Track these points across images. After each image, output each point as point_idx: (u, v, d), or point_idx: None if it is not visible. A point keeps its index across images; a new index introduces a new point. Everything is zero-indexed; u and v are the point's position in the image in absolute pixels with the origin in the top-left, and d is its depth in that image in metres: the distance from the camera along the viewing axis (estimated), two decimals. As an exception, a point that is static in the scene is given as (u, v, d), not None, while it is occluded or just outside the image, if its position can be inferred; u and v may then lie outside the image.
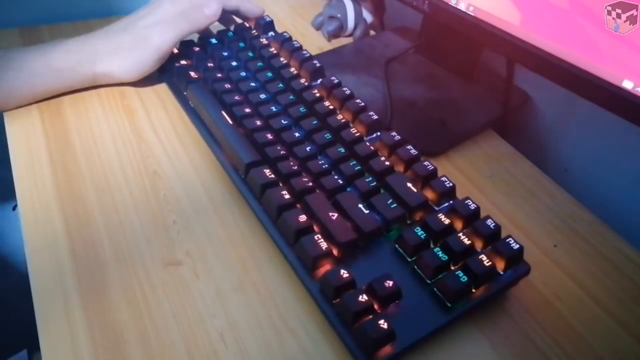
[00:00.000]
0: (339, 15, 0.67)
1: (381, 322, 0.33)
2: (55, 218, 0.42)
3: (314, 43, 0.67)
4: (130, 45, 0.52)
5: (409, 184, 0.41)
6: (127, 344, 0.34)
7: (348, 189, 0.42)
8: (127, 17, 0.55)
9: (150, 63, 0.53)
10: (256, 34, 0.58)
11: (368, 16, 0.69)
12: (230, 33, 0.58)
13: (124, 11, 0.69)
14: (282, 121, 0.46)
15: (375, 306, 0.35)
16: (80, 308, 0.36)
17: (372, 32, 0.70)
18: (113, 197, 0.44)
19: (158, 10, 0.54)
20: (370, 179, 0.42)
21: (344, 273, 0.35)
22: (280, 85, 0.51)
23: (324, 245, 0.37)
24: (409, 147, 0.44)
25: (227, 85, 0.50)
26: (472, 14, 0.49)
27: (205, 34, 0.59)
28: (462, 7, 0.50)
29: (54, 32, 0.65)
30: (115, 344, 0.34)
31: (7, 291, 0.72)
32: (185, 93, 0.52)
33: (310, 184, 0.41)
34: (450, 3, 0.51)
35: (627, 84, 0.39)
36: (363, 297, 0.34)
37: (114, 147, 0.49)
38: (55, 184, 0.44)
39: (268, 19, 0.59)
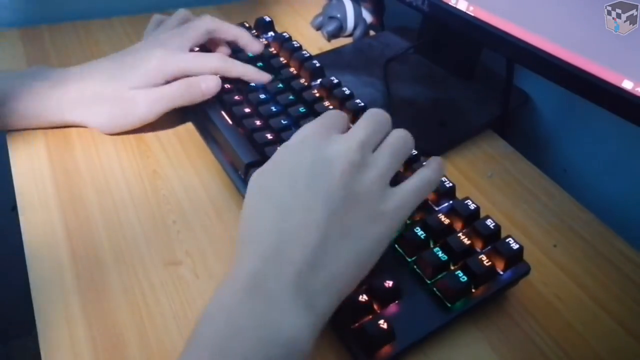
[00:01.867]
0: (338, 16, 0.67)
1: (381, 322, 0.33)
2: (54, 218, 0.42)
3: (314, 43, 0.67)
4: (110, 103, 0.47)
5: None
6: (127, 344, 0.34)
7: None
8: (107, 60, 0.49)
9: (132, 126, 0.49)
10: (256, 34, 0.58)
11: (368, 16, 0.69)
12: None
13: (124, 12, 0.70)
14: (282, 121, 0.46)
15: (375, 306, 0.35)
16: (80, 308, 0.36)
17: (371, 32, 0.71)
18: (112, 197, 0.44)
19: (145, 66, 0.47)
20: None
21: None
22: (280, 85, 0.51)
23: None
24: None
25: (227, 85, 0.50)
26: (472, 14, 0.49)
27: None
28: (462, 7, 0.50)
29: (54, 32, 0.65)
30: (115, 344, 0.34)
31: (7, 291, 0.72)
32: None
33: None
34: (450, 3, 0.51)
35: (627, 84, 0.39)
36: (363, 297, 0.34)
37: (114, 147, 0.49)
38: (55, 184, 0.44)
39: (268, 19, 0.59)
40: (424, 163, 0.39)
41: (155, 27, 0.53)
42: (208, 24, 0.51)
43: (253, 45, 0.54)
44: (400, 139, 0.37)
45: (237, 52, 0.55)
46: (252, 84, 0.51)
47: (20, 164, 0.46)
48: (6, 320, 0.89)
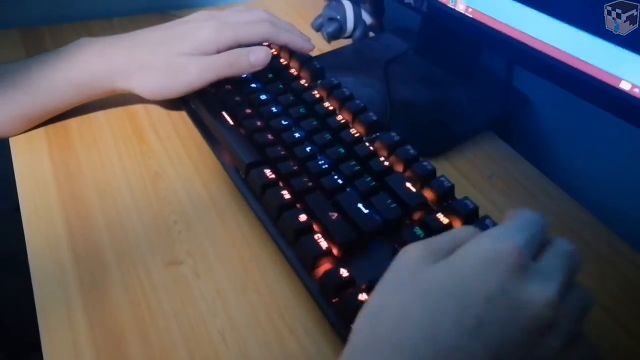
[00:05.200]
0: (338, 17, 0.67)
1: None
2: (56, 218, 0.42)
3: (314, 44, 0.68)
4: (160, 69, 0.47)
5: (408, 184, 0.42)
6: (128, 344, 0.34)
7: (347, 189, 0.42)
8: (157, 29, 0.49)
9: (178, 93, 0.49)
10: None
11: (367, 18, 0.69)
12: None
13: (125, 13, 0.70)
14: (282, 122, 0.47)
15: None
16: (81, 308, 0.36)
17: (371, 34, 0.71)
18: (114, 197, 0.44)
19: (198, 35, 0.48)
20: (370, 179, 0.42)
21: (344, 272, 0.35)
22: (281, 86, 0.51)
23: (324, 244, 0.37)
24: (408, 147, 0.45)
25: (228, 86, 0.50)
26: (471, 16, 0.50)
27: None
28: (460, 8, 0.50)
29: (54, 32, 0.65)
30: (116, 344, 0.34)
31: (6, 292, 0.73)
32: None
33: (310, 184, 0.41)
34: (448, 5, 0.51)
35: (625, 85, 0.39)
36: (363, 296, 0.34)
37: (115, 148, 0.49)
38: (57, 185, 0.44)
39: None
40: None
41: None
42: (266, 31, 0.51)
43: (304, 47, 0.54)
44: (583, 299, 0.29)
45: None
46: (254, 85, 0.51)
47: (22, 165, 0.46)
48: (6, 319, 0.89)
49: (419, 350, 0.23)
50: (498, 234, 0.28)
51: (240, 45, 0.49)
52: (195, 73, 0.47)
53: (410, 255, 0.28)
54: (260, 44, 0.51)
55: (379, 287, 0.28)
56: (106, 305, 0.36)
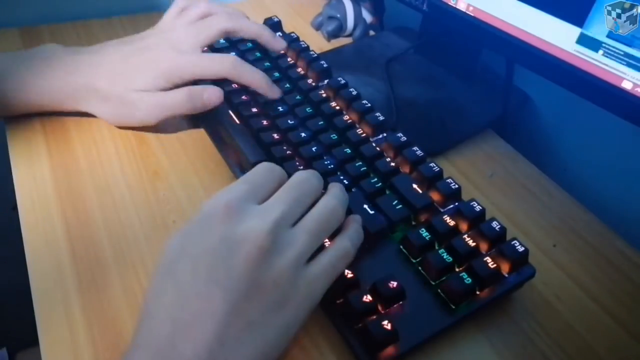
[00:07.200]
0: (338, 16, 0.67)
1: (385, 322, 0.33)
2: (55, 218, 0.42)
3: (314, 43, 0.67)
4: (116, 102, 0.47)
5: (415, 185, 0.42)
6: (127, 344, 0.34)
7: (353, 190, 0.42)
8: (119, 51, 0.48)
9: (133, 125, 0.49)
10: None
11: (367, 16, 0.69)
12: None
13: (124, 12, 0.70)
14: (289, 121, 0.47)
15: (379, 306, 0.35)
16: (80, 307, 0.36)
17: (371, 32, 0.70)
18: (113, 197, 0.44)
19: (155, 69, 0.46)
20: (376, 179, 0.42)
21: (348, 273, 0.35)
22: (287, 85, 0.51)
23: (328, 244, 0.37)
24: (415, 148, 0.44)
25: (234, 85, 0.50)
26: (472, 14, 0.49)
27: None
28: (461, 7, 0.50)
29: (54, 32, 0.65)
30: (115, 343, 0.34)
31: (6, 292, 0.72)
32: None
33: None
34: (449, 3, 0.51)
35: (627, 84, 0.39)
36: (367, 297, 0.34)
37: (114, 147, 0.49)
38: (55, 183, 0.44)
39: (276, 20, 0.59)
40: (344, 230, 0.35)
41: (177, 14, 0.52)
42: (226, 23, 0.49)
43: (275, 43, 0.53)
44: (325, 211, 0.33)
45: (244, 52, 0.54)
46: None
47: (20, 164, 0.46)
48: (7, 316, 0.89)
49: (168, 306, 0.29)
50: (215, 195, 0.33)
51: (197, 78, 0.48)
52: (145, 111, 0.47)
53: (170, 239, 0.32)
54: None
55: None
56: (105, 305, 0.36)
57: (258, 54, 0.55)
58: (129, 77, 0.47)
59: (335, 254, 0.33)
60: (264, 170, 0.35)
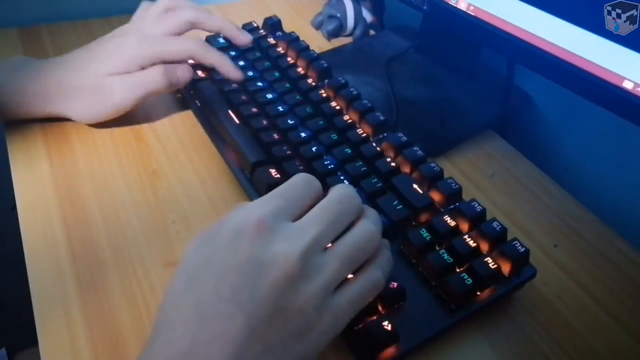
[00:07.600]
0: (338, 15, 0.67)
1: (385, 323, 0.33)
2: (54, 218, 0.42)
3: (314, 42, 0.67)
4: (87, 91, 0.46)
5: (415, 185, 0.41)
6: (126, 344, 0.34)
7: (354, 190, 0.42)
8: (85, 49, 0.48)
9: (107, 115, 0.48)
10: (264, 34, 0.58)
11: (368, 15, 0.69)
12: None
13: (124, 11, 0.69)
14: (289, 121, 0.46)
15: (379, 307, 0.35)
16: (79, 308, 0.36)
17: (371, 32, 0.70)
18: (112, 196, 0.44)
19: (122, 51, 0.46)
20: (376, 179, 0.42)
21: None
22: (287, 85, 0.51)
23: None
24: (415, 148, 0.44)
25: (234, 85, 0.50)
26: (472, 14, 0.49)
27: (213, 34, 0.56)
28: (462, 6, 0.50)
29: (53, 32, 0.65)
30: (114, 344, 0.34)
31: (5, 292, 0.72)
32: (192, 92, 0.52)
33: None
34: (450, 2, 0.51)
35: (628, 84, 0.39)
36: None
37: (113, 146, 0.48)
38: (54, 183, 0.44)
39: (276, 19, 0.59)
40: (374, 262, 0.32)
41: (147, 7, 0.52)
42: (190, 14, 0.50)
43: (239, 37, 0.53)
44: (362, 237, 0.31)
45: (245, 52, 0.54)
46: (260, 83, 0.51)
47: (19, 164, 0.46)
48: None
49: (188, 321, 0.27)
50: (247, 207, 0.31)
51: (163, 62, 0.48)
52: (121, 92, 0.46)
53: (192, 243, 0.31)
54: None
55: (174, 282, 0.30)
56: (104, 305, 0.36)
57: (258, 54, 0.55)
58: (97, 64, 0.47)
59: (365, 285, 0.31)
60: (301, 183, 0.32)
